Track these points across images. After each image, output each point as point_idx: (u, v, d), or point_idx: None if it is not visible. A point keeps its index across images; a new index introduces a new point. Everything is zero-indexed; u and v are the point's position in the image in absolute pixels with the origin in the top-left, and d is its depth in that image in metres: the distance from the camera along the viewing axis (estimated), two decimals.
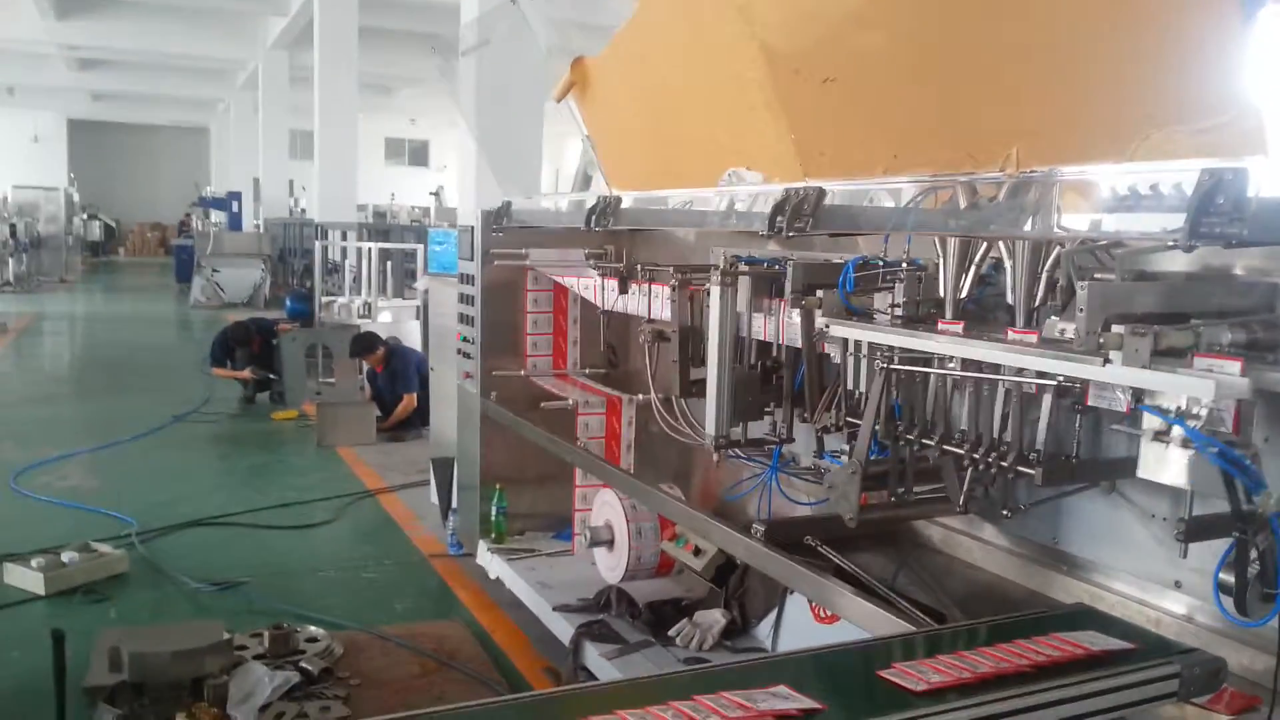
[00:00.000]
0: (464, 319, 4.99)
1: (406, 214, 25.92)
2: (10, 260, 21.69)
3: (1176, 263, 2.14)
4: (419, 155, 36.30)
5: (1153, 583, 2.38)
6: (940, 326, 2.40)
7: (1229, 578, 1.92)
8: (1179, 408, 1.90)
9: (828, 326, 2.67)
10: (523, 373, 4.80)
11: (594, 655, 3.71)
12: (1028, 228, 2.02)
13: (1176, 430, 1.88)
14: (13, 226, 22.25)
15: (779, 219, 2.68)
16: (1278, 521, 1.87)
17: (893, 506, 2.71)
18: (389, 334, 8.93)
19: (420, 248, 10.65)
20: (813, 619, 3.34)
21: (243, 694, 3.55)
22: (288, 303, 14.35)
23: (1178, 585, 2.32)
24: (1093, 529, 2.56)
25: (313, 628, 4.14)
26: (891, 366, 2.53)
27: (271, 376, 9.22)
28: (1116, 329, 1.89)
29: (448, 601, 4.78)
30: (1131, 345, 1.86)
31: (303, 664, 3.82)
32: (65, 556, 4.78)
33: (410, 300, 10.14)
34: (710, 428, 3.13)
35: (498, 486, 4.84)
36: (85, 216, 31.75)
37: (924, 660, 1.71)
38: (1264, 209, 1.63)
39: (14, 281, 21.39)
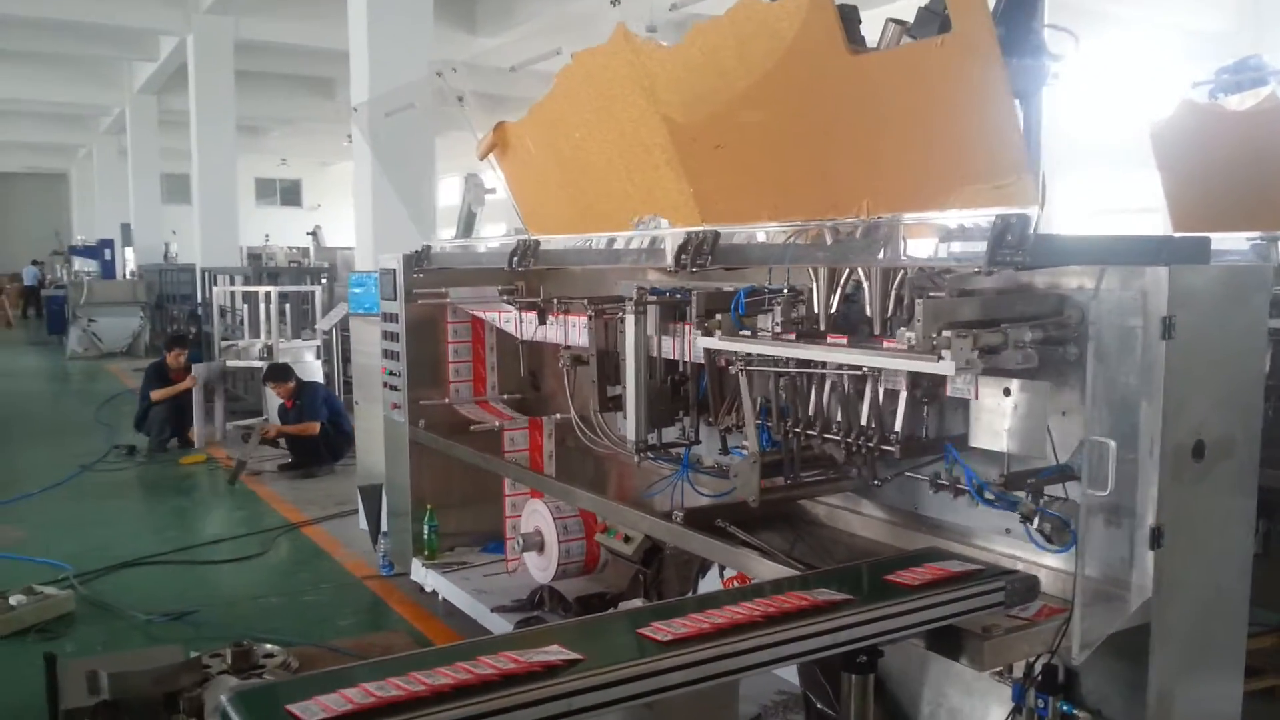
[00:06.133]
0: (389, 354, 5.42)
1: (284, 254, 25.71)
2: None
3: (991, 281, 2.80)
4: (291, 195, 36.00)
5: (991, 532, 3.02)
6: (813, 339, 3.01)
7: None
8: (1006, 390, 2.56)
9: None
10: (447, 400, 5.28)
11: None
12: (878, 257, 2.67)
13: (1006, 403, 2.53)
14: None
15: (683, 256, 3.27)
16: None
17: (786, 489, 3.29)
18: None
19: (317, 290, 10.95)
20: None
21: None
22: None
23: (1008, 532, 2.96)
24: (943, 495, 3.19)
25: (268, 645, 4.49)
26: (779, 371, 3.13)
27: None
28: (946, 333, 2.51)
29: (387, 616, 5.19)
30: (957, 345, 2.49)
31: (266, 676, 4.19)
32: (13, 600, 5.00)
33: (310, 340, 10.41)
34: (631, 435, 3.67)
35: (428, 507, 5.28)
36: None
37: (677, 618, 2.02)
38: (1040, 243, 2.29)
39: None
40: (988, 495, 2.66)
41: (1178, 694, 2.61)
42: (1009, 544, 2.97)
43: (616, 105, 3.28)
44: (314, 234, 25.48)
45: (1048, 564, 2.82)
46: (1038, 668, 2.71)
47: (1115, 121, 10.12)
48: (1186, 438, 2.49)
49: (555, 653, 1.79)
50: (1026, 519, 2.51)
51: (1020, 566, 2.80)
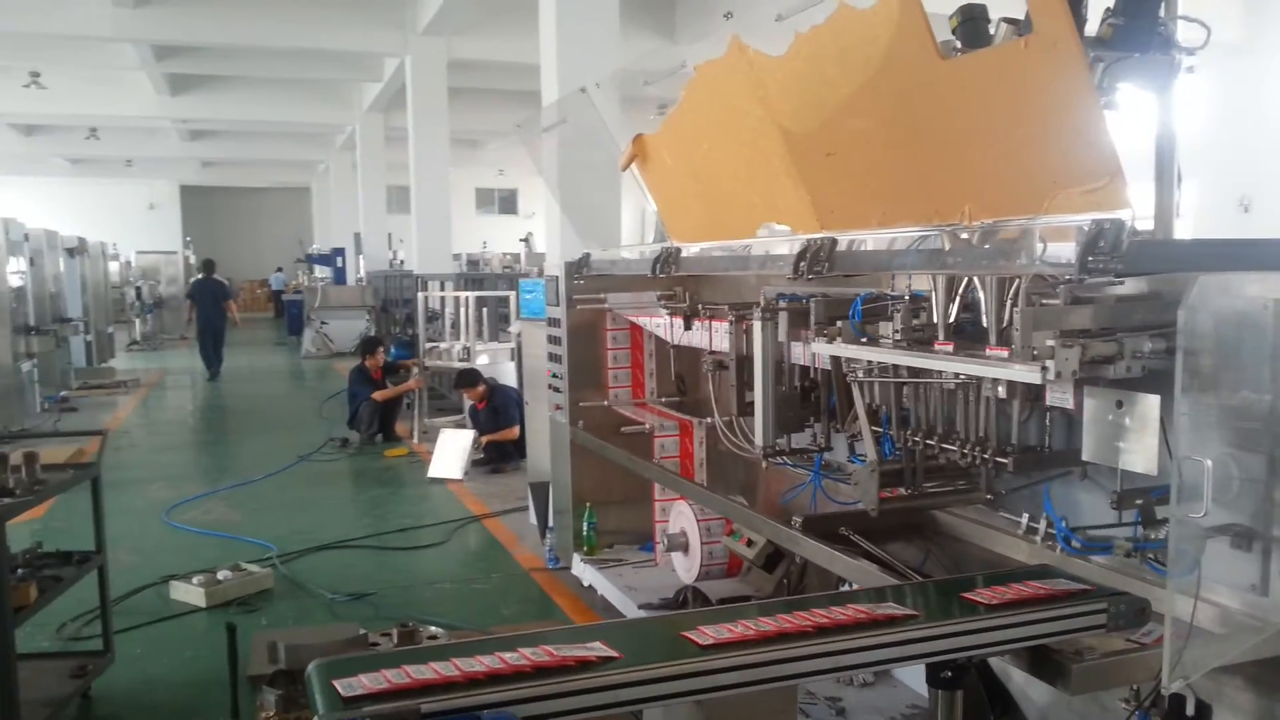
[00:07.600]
0: (553, 357, 5.66)
1: (499, 261, 26.97)
2: (137, 320, 23.34)
3: (1112, 289, 2.66)
4: (508, 203, 37.60)
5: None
6: (936, 347, 2.95)
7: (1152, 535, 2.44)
8: (1119, 402, 2.45)
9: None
10: (605, 403, 5.45)
11: None
12: (961, 263, 2.61)
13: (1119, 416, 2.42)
14: (138, 289, 24.00)
15: (801, 264, 3.28)
16: None
17: (906, 499, 3.24)
18: (488, 375, 9.70)
19: (512, 294, 11.45)
20: None
21: None
22: (391, 349, 15.32)
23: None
24: (1077, 511, 3.05)
25: (433, 627, 4.80)
26: (894, 380, 3.09)
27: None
28: (1048, 342, 2.42)
29: (547, 606, 5.42)
30: (1061, 355, 2.39)
31: None
32: (220, 575, 5.57)
33: (505, 343, 10.92)
34: (759, 439, 3.71)
35: (588, 505, 5.47)
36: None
37: (724, 624, 2.00)
38: (1136, 249, 2.17)
39: (141, 340, 23.00)
40: (1075, 544, 2.54)
41: None
42: (1134, 565, 2.82)
43: (737, 115, 3.33)
44: (526, 240, 26.68)
45: None
46: (1166, 696, 2.56)
47: None
48: None
49: (595, 649, 1.86)
50: (1128, 556, 2.39)
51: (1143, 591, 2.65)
